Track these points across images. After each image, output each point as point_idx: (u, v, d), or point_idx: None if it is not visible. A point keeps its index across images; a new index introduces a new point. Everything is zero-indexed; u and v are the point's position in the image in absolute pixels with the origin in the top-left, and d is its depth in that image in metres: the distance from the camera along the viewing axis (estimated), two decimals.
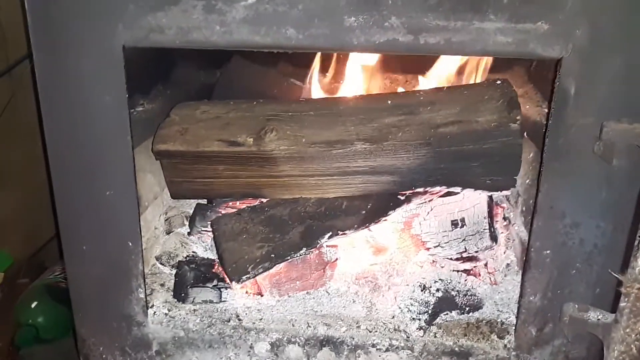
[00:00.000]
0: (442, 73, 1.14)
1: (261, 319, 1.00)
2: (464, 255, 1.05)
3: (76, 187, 0.93)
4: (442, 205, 1.04)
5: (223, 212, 1.09)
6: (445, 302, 1.00)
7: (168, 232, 1.15)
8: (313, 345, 0.98)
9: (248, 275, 0.98)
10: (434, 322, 0.99)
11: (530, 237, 0.89)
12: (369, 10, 0.78)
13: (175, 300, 1.03)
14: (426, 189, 1.00)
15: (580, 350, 0.94)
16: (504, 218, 1.11)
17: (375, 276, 1.06)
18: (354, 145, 0.96)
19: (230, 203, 1.09)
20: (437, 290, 1.01)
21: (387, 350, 0.97)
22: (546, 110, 1.00)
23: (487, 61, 1.11)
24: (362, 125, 0.98)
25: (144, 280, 0.98)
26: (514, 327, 0.96)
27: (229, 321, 0.99)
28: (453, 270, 1.05)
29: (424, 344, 0.96)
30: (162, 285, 1.06)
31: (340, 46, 0.81)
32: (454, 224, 1.04)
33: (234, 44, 0.82)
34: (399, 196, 1.02)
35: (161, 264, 1.09)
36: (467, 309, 1.00)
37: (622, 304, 0.79)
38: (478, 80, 1.12)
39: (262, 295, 1.03)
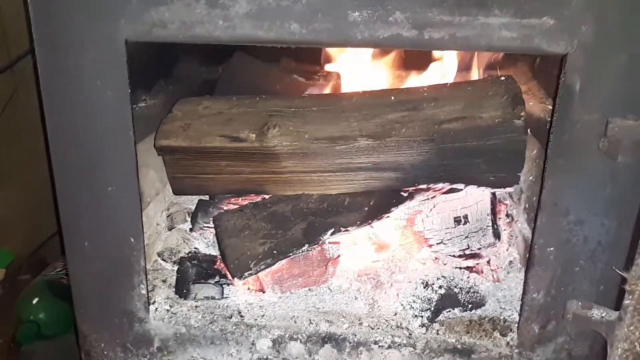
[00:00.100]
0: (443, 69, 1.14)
1: (263, 316, 0.99)
2: (467, 252, 1.05)
3: (78, 183, 0.92)
4: (445, 202, 1.04)
5: (225, 208, 1.09)
6: (448, 299, 1.00)
7: (170, 228, 1.15)
8: (315, 342, 0.98)
9: (250, 272, 0.97)
10: (436, 319, 0.98)
11: (534, 234, 0.88)
12: (373, 5, 0.77)
13: (177, 296, 1.03)
14: (429, 186, 0.99)
15: (583, 348, 0.94)
16: (507, 215, 1.11)
17: (378, 273, 1.06)
18: (357, 142, 0.95)
19: (233, 199, 1.09)
20: (440, 287, 1.01)
21: (389, 347, 0.97)
22: (550, 106, 0.99)
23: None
24: (365, 121, 0.97)
25: (146, 277, 0.97)
26: (516, 325, 0.96)
27: (230, 318, 0.99)
28: (456, 267, 1.04)
29: (426, 341, 0.96)
30: (164, 281, 1.06)
31: (343, 41, 0.80)
32: (457, 220, 1.04)
33: (237, 38, 0.81)
34: (402, 193, 1.01)
35: (163, 260, 1.09)
36: (470, 306, 1.00)
37: (626, 302, 0.78)
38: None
39: (264, 292, 1.02)
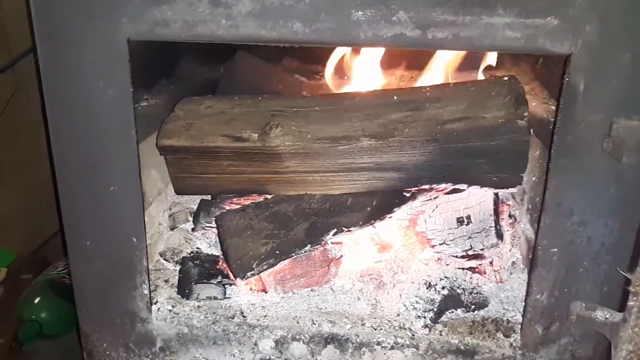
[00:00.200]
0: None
1: (265, 316, 0.99)
2: (470, 252, 1.04)
3: (80, 183, 0.92)
4: (447, 203, 1.04)
5: (227, 208, 1.08)
6: (451, 300, 1.00)
7: (172, 228, 1.15)
8: (318, 342, 0.98)
9: (252, 272, 0.97)
10: (439, 320, 0.98)
11: (538, 235, 0.88)
12: (377, 4, 0.77)
13: (180, 296, 1.02)
14: (432, 186, 0.99)
15: (587, 349, 0.93)
16: (510, 215, 1.11)
17: (380, 273, 1.06)
18: (359, 142, 0.95)
19: (235, 199, 1.08)
20: (443, 288, 1.00)
21: (392, 348, 0.97)
22: (553, 107, 0.99)
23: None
24: (367, 121, 0.97)
25: (148, 277, 0.97)
26: (520, 326, 0.96)
27: (233, 318, 0.99)
28: (458, 268, 1.04)
29: (429, 342, 0.96)
30: (166, 281, 1.06)
31: (347, 40, 0.80)
32: (460, 221, 1.04)
33: (240, 38, 0.81)
34: (405, 193, 1.01)
35: (165, 260, 1.09)
36: (473, 307, 1.00)
37: (630, 303, 0.78)
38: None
39: (266, 292, 1.02)
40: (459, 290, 1.01)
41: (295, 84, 1.26)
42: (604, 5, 0.74)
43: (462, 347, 0.96)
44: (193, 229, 1.12)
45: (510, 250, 1.08)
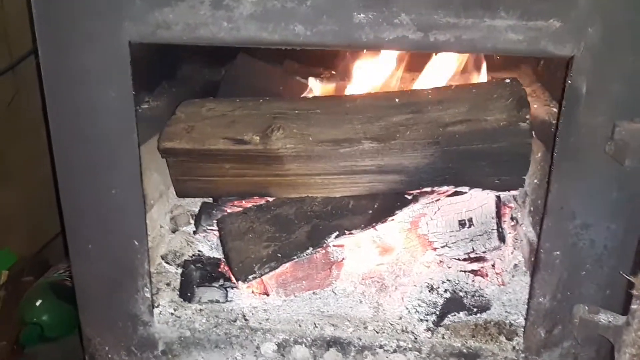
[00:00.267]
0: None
1: (268, 319, 0.99)
2: (472, 255, 1.04)
3: (81, 186, 0.92)
4: (449, 205, 1.03)
5: (229, 210, 1.08)
6: (453, 303, 0.99)
7: (174, 231, 1.15)
8: (320, 346, 0.97)
9: (254, 275, 0.97)
10: (441, 323, 0.98)
11: (540, 238, 0.88)
12: (379, 7, 0.77)
13: (181, 299, 1.02)
14: (433, 189, 0.99)
15: (589, 352, 0.93)
16: (512, 218, 1.10)
17: (382, 276, 1.05)
18: (361, 144, 0.95)
19: (236, 202, 1.08)
20: (445, 290, 1.00)
21: (394, 351, 0.96)
22: (554, 109, 0.99)
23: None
24: (369, 124, 0.97)
25: (150, 280, 0.97)
26: (522, 329, 0.95)
27: (235, 321, 0.99)
28: (460, 271, 1.04)
29: (431, 346, 0.96)
30: (168, 284, 1.05)
31: (349, 43, 0.80)
32: (462, 224, 1.03)
33: (241, 40, 0.81)
34: (406, 195, 1.01)
35: (167, 263, 1.09)
36: (475, 310, 0.99)
37: (633, 306, 0.78)
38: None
39: (268, 295, 1.02)
40: (461, 293, 1.00)
41: (296, 87, 1.25)
42: (607, 8, 0.74)
43: (464, 351, 0.95)
44: (195, 232, 1.12)
45: (512, 253, 1.08)
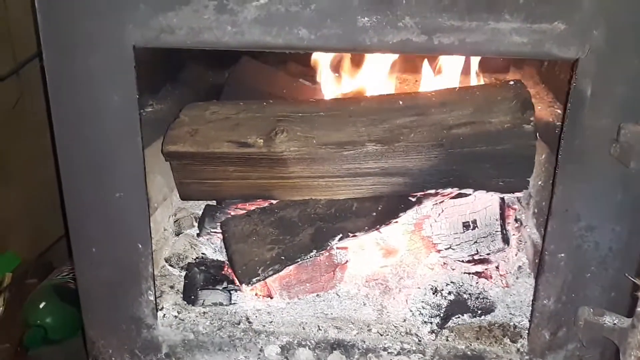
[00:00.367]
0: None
1: (271, 322, 0.99)
2: (476, 257, 1.04)
3: (85, 189, 0.92)
4: (453, 207, 1.03)
5: (232, 213, 1.08)
6: (457, 305, 0.99)
7: (177, 234, 1.15)
8: (324, 348, 0.97)
9: (258, 278, 0.97)
10: (445, 326, 0.98)
11: (545, 240, 0.87)
12: (383, 10, 0.77)
13: (185, 302, 1.02)
14: (437, 191, 0.99)
15: (594, 354, 0.93)
16: (516, 220, 1.10)
17: (386, 279, 1.05)
18: (365, 147, 0.95)
19: (240, 204, 1.08)
20: (449, 293, 1.00)
21: (398, 354, 0.96)
22: (558, 111, 0.99)
23: None
24: (373, 126, 0.97)
25: (154, 283, 0.97)
26: (527, 331, 0.95)
27: (239, 324, 0.99)
28: (464, 273, 1.04)
29: (435, 348, 0.95)
30: (172, 287, 1.05)
31: (353, 47, 0.80)
32: (466, 225, 1.03)
33: (245, 44, 0.81)
34: (410, 198, 1.01)
35: (170, 265, 1.09)
36: (479, 312, 0.99)
37: (639, 309, 0.77)
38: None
39: (272, 298, 1.02)
40: (465, 295, 1.00)
41: (300, 89, 1.25)
42: (611, 10, 0.74)
43: (468, 353, 0.95)
44: (198, 235, 1.12)
45: (516, 255, 1.08)
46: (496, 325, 0.98)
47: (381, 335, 0.96)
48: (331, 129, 0.98)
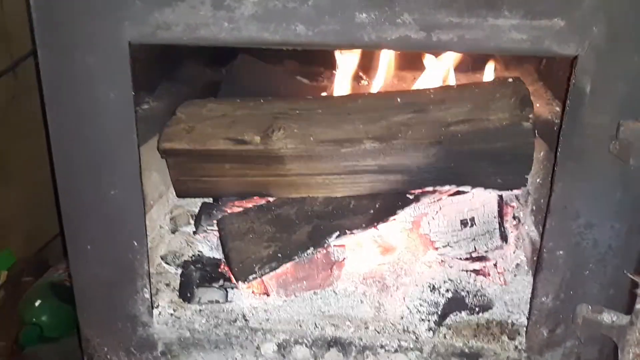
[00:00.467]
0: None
1: (268, 320, 0.98)
2: (474, 255, 1.04)
3: (81, 186, 0.91)
4: (451, 205, 1.03)
5: (229, 211, 1.07)
6: (455, 303, 0.99)
7: (173, 231, 1.14)
8: (320, 346, 0.97)
9: (255, 275, 0.96)
10: (443, 323, 0.97)
11: (543, 237, 0.87)
12: (381, 6, 0.76)
13: (181, 300, 1.02)
14: (435, 188, 0.98)
15: (592, 352, 0.93)
16: (514, 217, 1.10)
17: (384, 276, 1.05)
18: (363, 144, 0.94)
19: (237, 202, 1.08)
20: (447, 290, 1.00)
21: (395, 351, 0.96)
22: (557, 108, 0.98)
23: None
24: (371, 124, 0.96)
25: (149, 280, 0.97)
26: (525, 328, 0.95)
27: (235, 321, 0.98)
28: (462, 270, 1.03)
29: (433, 345, 0.95)
30: (168, 285, 1.05)
31: (351, 43, 0.79)
32: (464, 223, 1.03)
33: (242, 40, 0.80)
34: (408, 195, 1.00)
35: (166, 263, 1.08)
36: (477, 309, 0.99)
37: (637, 306, 0.78)
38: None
39: (268, 295, 1.01)
40: (463, 293, 1.00)
41: (297, 86, 1.25)
42: (612, 7, 0.73)
43: (466, 350, 0.95)
44: (195, 232, 1.11)
45: (514, 252, 1.08)
46: (494, 322, 0.98)
47: (378, 332, 0.96)
48: (329, 126, 0.97)
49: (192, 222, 1.14)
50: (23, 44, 1.34)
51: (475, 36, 0.76)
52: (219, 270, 1.04)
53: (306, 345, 0.97)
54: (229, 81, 1.25)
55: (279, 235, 1.00)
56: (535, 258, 0.95)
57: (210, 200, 1.12)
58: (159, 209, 1.12)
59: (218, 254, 1.07)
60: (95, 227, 0.94)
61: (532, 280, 0.94)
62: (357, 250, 1.07)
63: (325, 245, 0.99)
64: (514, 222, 1.09)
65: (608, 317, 0.83)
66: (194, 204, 1.17)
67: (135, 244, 0.94)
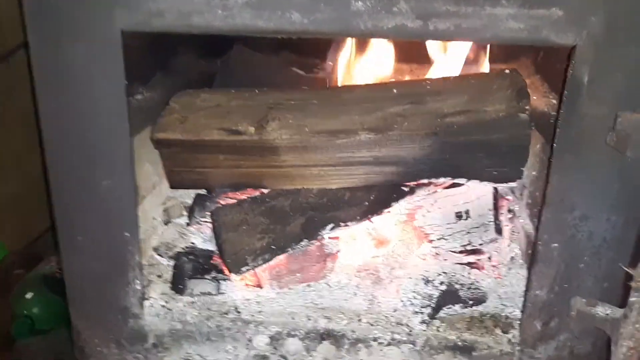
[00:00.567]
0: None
1: (260, 312, 0.98)
2: (468, 248, 1.03)
3: (72, 177, 0.90)
4: (446, 197, 1.02)
5: (223, 202, 1.07)
6: (449, 296, 0.99)
7: (166, 223, 1.13)
8: (313, 338, 0.96)
9: (248, 267, 0.96)
10: (437, 316, 0.97)
11: (538, 230, 0.87)
12: None
13: (173, 292, 1.01)
14: (431, 180, 0.98)
15: (586, 345, 0.93)
16: (509, 210, 1.10)
17: (377, 269, 1.04)
18: (358, 135, 0.93)
19: (231, 193, 1.07)
20: (441, 283, 0.99)
21: (388, 344, 0.95)
22: (554, 101, 0.98)
23: None
24: (366, 115, 0.95)
25: (141, 272, 0.96)
26: (518, 322, 0.95)
27: (227, 314, 0.98)
28: (456, 263, 1.03)
29: (426, 338, 0.95)
30: (160, 276, 1.04)
31: (346, 31, 0.79)
32: (458, 216, 1.02)
33: (236, 28, 0.79)
34: (403, 187, 1.00)
35: (159, 255, 1.07)
36: (471, 302, 0.99)
37: (632, 299, 0.77)
38: None
39: (261, 288, 1.01)
40: (457, 286, 1.00)
41: (293, 77, 1.24)
42: None
43: (459, 343, 0.95)
44: (188, 224, 1.11)
45: (509, 246, 1.08)
46: (488, 315, 0.98)
47: (371, 325, 0.96)
48: (324, 117, 0.96)
49: (185, 213, 1.14)
50: (17, 34, 1.32)
51: (472, 25, 0.75)
52: (212, 262, 1.03)
53: (299, 338, 0.97)
54: (224, 72, 1.24)
55: (273, 227, 0.99)
56: (529, 251, 0.95)
57: (204, 191, 1.11)
58: (152, 201, 1.11)
59: (211, 246, 1.07)
60: (86, 218, 0.93)
61: (527, 273, 0.93)
62: (351, 242, 1.06)
63: (319, 237, 0.98)
64: (509, 215, 1.09)
65: (602, 310, 0.83)
66: (188, 196, 1.16)
67: (127, 235, 0.93)
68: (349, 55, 1.17)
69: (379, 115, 0.95)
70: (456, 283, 1.00)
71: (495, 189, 1.03)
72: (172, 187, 1.05)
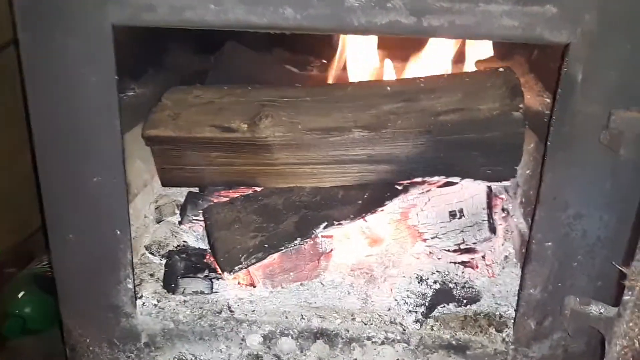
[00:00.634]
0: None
1: (253, 311, 0.97)
2: (462, 246, 1.03)
3: (62, 174, 0.89)
4: (440, 196, 1.02)
5: (215, 200, 1.06)
6: (443, 295, 0.98)
7: (158, 221, 1.12)
8: (307, 337, 0.96)
9: (240, 266, 0.95)
10: (430, 315, 0.97)
11: (532, 228, 0.87)
12: None
13: (165, 290, 1.00)
14: (424, 179, 0.97)
15: (579, 344, 0.93)
16: (503, 209, 1.09)
17: (371, 267, 1.04)
18: (351, 133, 0.93)
19: (223, 191, 1.06)
20: (434, 282, 0.99)
21: (382, 343, 0.95)
22: (548, 100, 0.98)
23: None
24: (360, 112, 0.95)
25: (133, 270, 0.95)
26: (512, 321, 0.95)
27: (220, 313, 0.97)
28: (450, 262, 1.03)
29: (420, 337, 0.95)
30: (152, 275, 1.03)
31: (340, 27, 0.78)
32: (452, 214, 1.02)
33: (228, 24, 0.78)
34: (397, 186, 0.99)
35: (151, 253, 1.06)
36: (465, 301, 0.99)
37: (625, 298, 0.77)
38: None
39: (254, 287, 1.00)
40: (450, 285, 0.99)
41: (286, 75, 1.23)
42: None
43: (453, 342, 0.94)
44: (180, 222, 1.10)
45: (502, 244, 1.07)
46: (482, 314, 0.97)
47: (365, 324, 0.95)
48: (317, 115, 0.96)
49: (177, 211, 1.13)
50: (6, 31, 1.31)
51: (466, 22, 0.75)
52: (204, 260, 1.03)
53: (292, 337, 0.96)
54: (217, 69, 1.23)
55: (266, 226, 0.98)
56: (523, 250, 0.94)
57: (196, 189, 1.11)
58: (143, 199, 1.11)
59: (203, 244, 1.06)
60: (77, 216, 0.92)
61: (521, 272, 0.93)
62: (344, 241, 1.06)
63: (313, 235, 0.98)
64: (503, 214, 1.09)
65: (596, 309, 0.83)
66: (180, 194, 1.16)
67: (119, 233, 0.92)
68: (342, 53, 1.17)
69: (372, 113, 0.95)
70: (450, 282, 0.99)
71: (489, 187, 1.02)
72: (164, 185, 1.05)
